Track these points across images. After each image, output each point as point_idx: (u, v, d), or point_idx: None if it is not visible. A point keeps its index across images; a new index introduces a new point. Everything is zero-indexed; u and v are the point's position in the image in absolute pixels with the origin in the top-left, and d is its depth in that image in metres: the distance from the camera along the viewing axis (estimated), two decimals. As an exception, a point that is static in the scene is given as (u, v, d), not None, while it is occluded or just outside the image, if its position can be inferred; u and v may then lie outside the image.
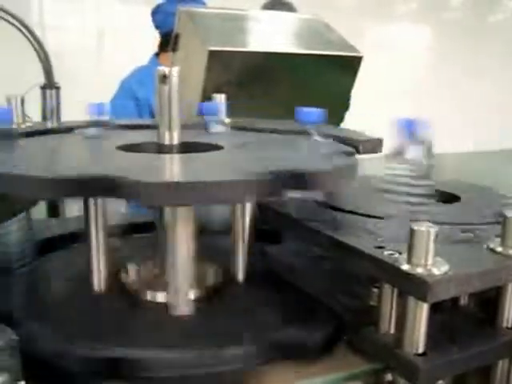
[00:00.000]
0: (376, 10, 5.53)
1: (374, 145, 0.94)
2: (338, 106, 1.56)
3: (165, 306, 0.76)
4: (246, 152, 0.83)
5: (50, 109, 1.42)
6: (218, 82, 1.27)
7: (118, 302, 0.78)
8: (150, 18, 2.74)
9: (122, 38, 3.40)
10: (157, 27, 2.69)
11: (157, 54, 2.73)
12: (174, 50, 1.44)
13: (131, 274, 0.82)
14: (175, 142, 0.79)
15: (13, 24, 1.33)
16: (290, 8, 2.85)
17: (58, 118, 1.42)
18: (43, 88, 1.42)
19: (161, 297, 0.78)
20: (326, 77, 1.46)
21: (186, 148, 0.80)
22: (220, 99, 1.16)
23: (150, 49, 2.75)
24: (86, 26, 3.72)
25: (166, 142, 0.79)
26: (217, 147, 0.81)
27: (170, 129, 0.79)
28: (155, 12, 2.68)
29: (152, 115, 2.58)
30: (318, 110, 0.95)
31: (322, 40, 1.51)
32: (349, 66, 1.49)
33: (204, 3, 2.60)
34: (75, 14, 3.71)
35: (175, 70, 0.78)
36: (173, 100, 0.78)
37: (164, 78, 0.78)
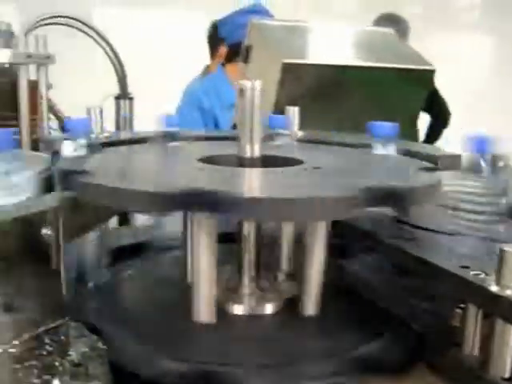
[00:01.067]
0: (439, 19, 5.45)
1: (453, 161, 0.92)
2: (408, 120, 1.55)
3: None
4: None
5: (124, 119, 1.45)
6: (290, 94, 1.27)
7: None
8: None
9: (187, 47, 3.45)
10: (224, 38, 2.72)
11: (223, 65, 2.76)
12: (246, 61, 1.45)
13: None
14: (256, 155, 0.80)
15: (88, 34, 1.37)
16: (398, 23, 2.83)
17: (131, 128, 1.45)
18: (117, 98, 1.45)
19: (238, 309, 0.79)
20: (397, 90, 1.45)
21: (267, 162, 0.80)
22: (293, 112, 1.16)
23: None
24: (151, 34, 3.78)
25: (247, 154, 0.79)
26: (298, 161, 0.81)
27: (251, 142, 0.79)
28: (222, 23, 2.71)
29: (216, 125, 2.61)
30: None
31: (393, 53, 1.50)
32: (421, 79, 1.48)
33: (272, 16, 2.62)
34: (141, 22, 3.78)
35: (257, 83, 0.79)
36: (254, 113, 0.79)
37: (246, 91, 0.78)
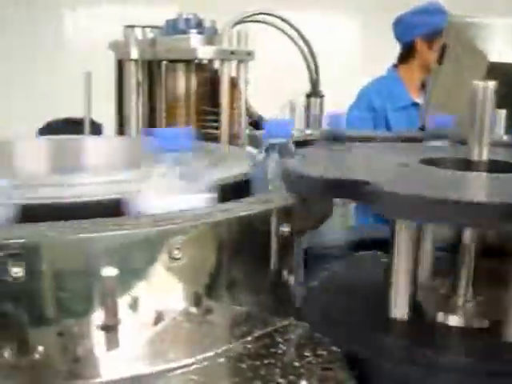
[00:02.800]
0: None
1: None
2: None
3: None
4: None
5: (314, 117, 1.44)
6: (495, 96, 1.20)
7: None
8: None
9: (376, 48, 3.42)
10: (397, 39, 2.66)
11: (395, 66, 2.70)
12: (441, 62, 1.40)
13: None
14: (484, 158, 0.76)
15: (285, 32, 1.38)
16: None
17: (320, 126, 1.44)
18: (308, 96, 1.45)
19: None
20: None
21: (496, 166, 0.76)
22: (500, 115, 1.11)
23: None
24: (343, 34, 3.78)
25: (475, 158, 0.76)
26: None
27: (479, 144, 0.75)
28: (396, 23, 2.65)
29: (387, 127, 2.56)
30: None
31: None
32: None
33: (447, 14, 2.52)
34: (335, 21, 3.78)
35: (491, 84, 0.75)
36: (485, 114, 0.75)
37: (478, 92, 0.75)
